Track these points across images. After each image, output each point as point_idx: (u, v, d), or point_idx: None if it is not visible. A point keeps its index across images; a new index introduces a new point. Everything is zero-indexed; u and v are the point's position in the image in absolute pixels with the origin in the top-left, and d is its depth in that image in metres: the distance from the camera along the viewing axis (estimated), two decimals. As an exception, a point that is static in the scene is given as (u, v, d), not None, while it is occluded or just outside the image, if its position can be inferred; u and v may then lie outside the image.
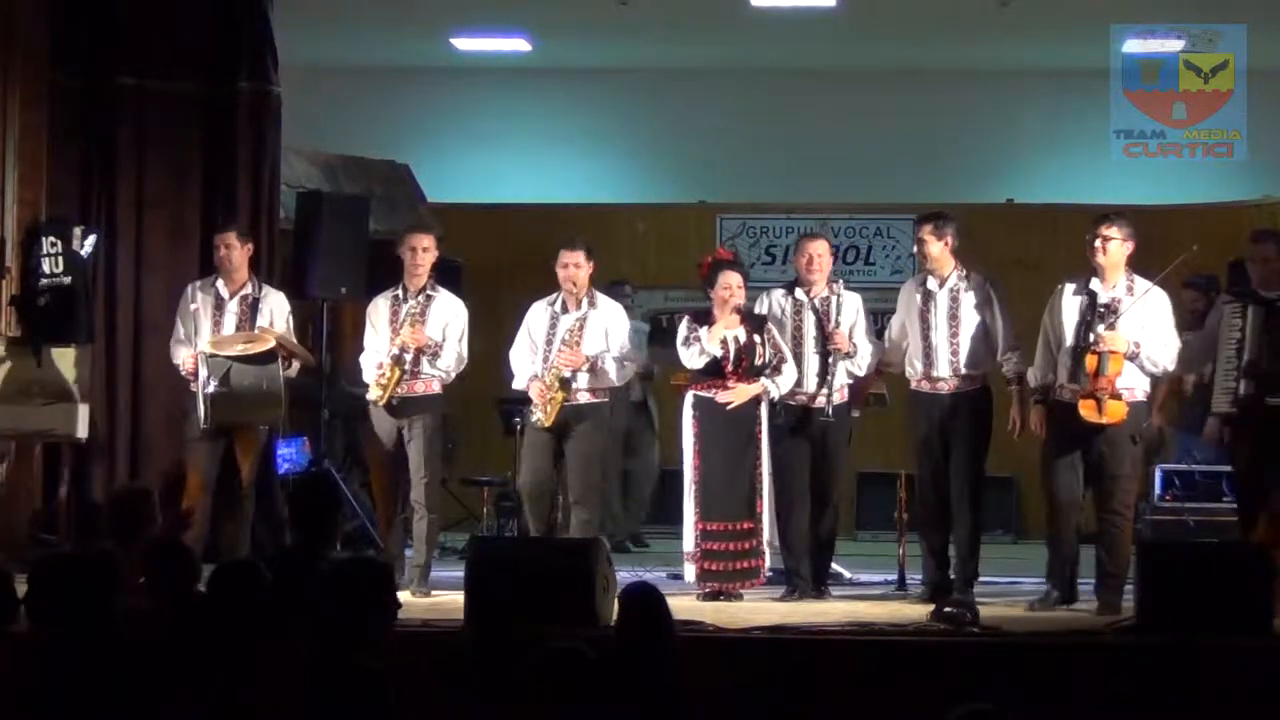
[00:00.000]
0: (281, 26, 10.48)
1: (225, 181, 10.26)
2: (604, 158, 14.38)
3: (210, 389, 8.77)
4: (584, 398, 8.74)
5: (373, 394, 8.80)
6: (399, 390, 8.74)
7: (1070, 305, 8.20)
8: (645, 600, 5.71)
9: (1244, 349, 8.01)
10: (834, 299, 8.67)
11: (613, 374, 8.81)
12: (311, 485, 6.86)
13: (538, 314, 8.88)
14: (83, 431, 9.46)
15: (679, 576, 8.69)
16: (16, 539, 9.24)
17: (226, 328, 9.02)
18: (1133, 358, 8.07)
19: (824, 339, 8.58)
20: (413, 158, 12.80)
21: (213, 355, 8.85)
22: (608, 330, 8.80)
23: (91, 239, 9.72)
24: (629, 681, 5.21)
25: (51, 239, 9.62)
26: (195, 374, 8.88)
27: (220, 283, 9.12)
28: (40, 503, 9.75)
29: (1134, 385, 8.14)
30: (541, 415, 8.66)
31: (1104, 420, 8.03)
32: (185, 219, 10.06)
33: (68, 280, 9.59)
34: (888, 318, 8.93)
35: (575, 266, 8.78)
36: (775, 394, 8.54)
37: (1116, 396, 8.02)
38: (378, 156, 12.56)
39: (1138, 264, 8.34)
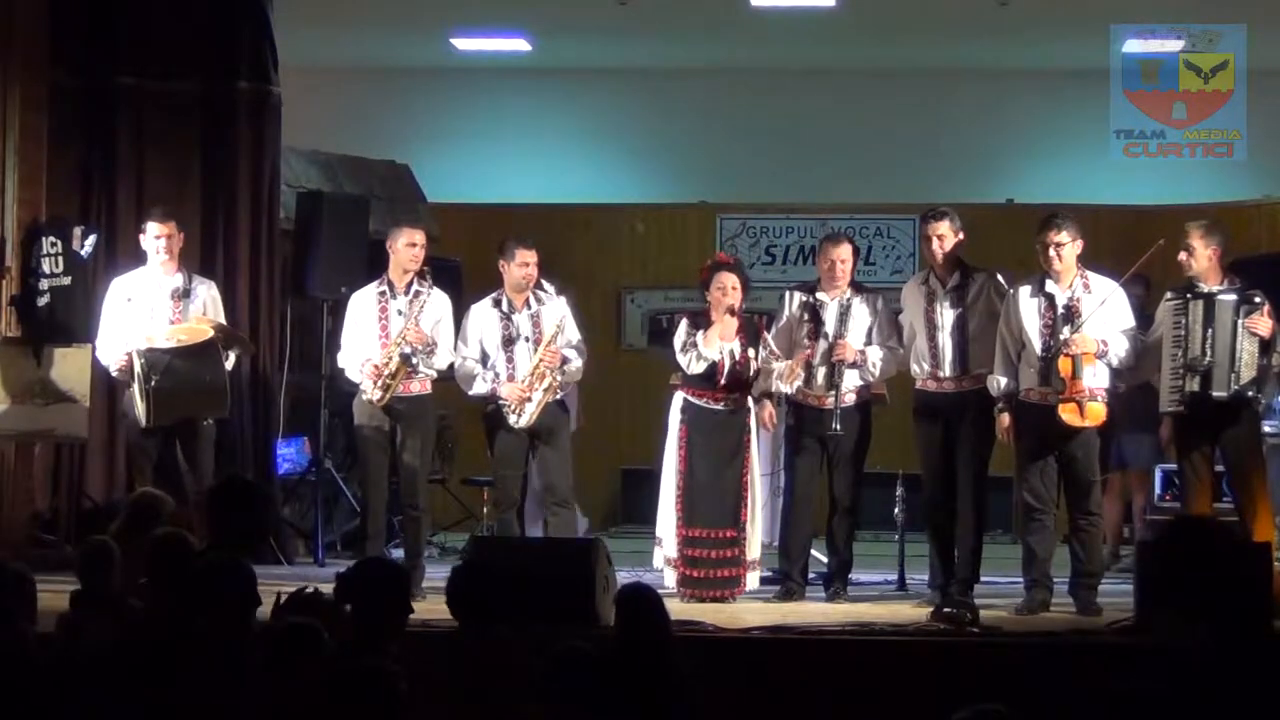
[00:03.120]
0: (281, 26, 10.49)
1: (225, 181, 10.27)
2: (604, 158, 14.37)
3: (151, 384, 8.62)
4: (556, 395, 8.64)
5: (372, 393, 8.62)
6: (396, 390, 8.63)
7: (1029, 308, 8.15)
8: (641, 601, 5.73)
9: (1187, 345, 8.01)
10: (851, 304, 8.58)
11: (578, 368, 8.74)
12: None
13: (486, 318, 8.70)
14: (83, 431, 9.46)
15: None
16: (16, 539, 9.24)
17: (159, 321, 8.87)
18: (1102, 356, 8.08)
19: (830, 348, 8.51)
20: (413, 158, 12.81)
21: (149, 349, 8.72)
22: (562, 325, 8.67)
23: (91, 239, 9.72)
24: (629, 681, 5.22)
25: (51, 239, 9.63)
26: (129, 371, 8.74)
27: (150, 275, 8.98)
28: (40, 503, 9.74)
29: (1104, 385, 8.14)
30: (517, 417, 8.57)
31: (1085, 423, 8.05)
32: (185, 219, 10.05)
33: (68, 280, 9.60)
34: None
35: (535, 265, 8.68)
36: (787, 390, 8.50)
37: (1094, 398, 8.04)
38: (378, 156, 12.57)
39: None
